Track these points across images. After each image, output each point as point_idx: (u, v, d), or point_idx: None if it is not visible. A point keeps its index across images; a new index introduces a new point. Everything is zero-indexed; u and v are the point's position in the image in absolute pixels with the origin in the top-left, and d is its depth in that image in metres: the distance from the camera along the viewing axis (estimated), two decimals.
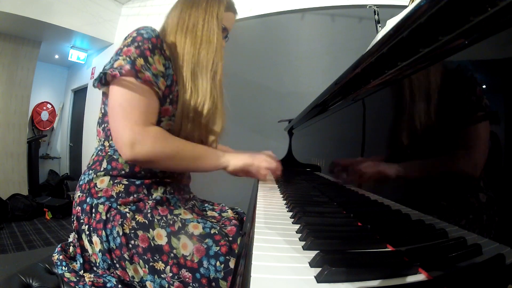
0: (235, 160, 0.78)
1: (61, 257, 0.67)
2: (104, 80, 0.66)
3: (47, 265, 0.71)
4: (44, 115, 4.57)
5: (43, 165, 4.61)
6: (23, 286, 0.65)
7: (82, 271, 0.64)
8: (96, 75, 0.69)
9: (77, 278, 0.63)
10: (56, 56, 4.40)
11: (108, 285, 0.63)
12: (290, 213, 0.54)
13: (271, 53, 2.36)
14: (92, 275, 0.64)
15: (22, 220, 3.16)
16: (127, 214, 0.65)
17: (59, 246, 0.71)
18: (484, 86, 0.31)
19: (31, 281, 0.66)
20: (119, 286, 0.63)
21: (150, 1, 3.29)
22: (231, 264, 0.60)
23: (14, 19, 2.97)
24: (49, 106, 4.63)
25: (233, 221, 0.73)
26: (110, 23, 3.60)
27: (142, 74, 0.65)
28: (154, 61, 0.68)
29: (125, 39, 0.70)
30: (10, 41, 3.47)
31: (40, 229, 2.92)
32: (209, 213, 0.82)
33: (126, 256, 0.63)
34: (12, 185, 3.50)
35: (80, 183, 0.72)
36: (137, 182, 0.70)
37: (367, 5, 1.21)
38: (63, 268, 0.65)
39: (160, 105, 0.71)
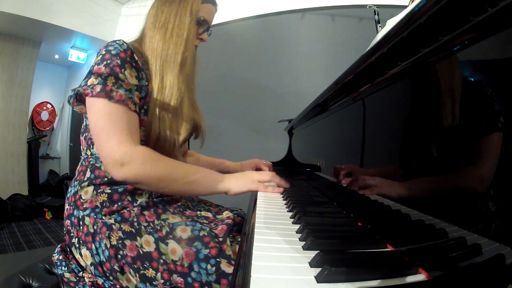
0: (236, 188, 0.74)
1: (61, 257, 0.67)
2: (80, 97, 0.67)
3: (47, 265, 0.71)
4: (44, 115, 4.56)
5: (43, 165, 4.60)
6: (23, 286, 0.64)
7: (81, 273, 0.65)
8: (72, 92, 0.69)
9: (77, 278, 0.63)
10: (56, 56, 4.40)
11: (107, 285, 0.63)
12: (290, 213, 0.54)
13: (271, 53, 2.36)
14: (91, 275, 0.64)
15: (22, 220, 3.15)
16: (113, 226, 0.64)
17: (59, 246, 0.71)
18: (483, 86, 0.31)
19: (31, 281, 0.65)
20: (118, 286, 0.63)
21: (150, 1, 3.26)
22: (223, 266, 0.59)
23: (14, 19, 2.97)
24: (49, 106, 4.63)
25: (226, 220, 0.69)
26: (110, 23, 3.60)
27: (114, 93, 0.64)
28: (126, 76, 0.68)
29: (97, 55, 0.70)
30: (10, 41, 3.47)
31: (40, 229, 2.92)
32: (203, 213, 0.78)
33: (116, 267, 0.62)
34: (12, 185, 3.50)
35: (67, 196, 0.72)
36: (120, 189, 0.68)
37: (367, 5, 1.21)
38: (63, 268, 0.65)
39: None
